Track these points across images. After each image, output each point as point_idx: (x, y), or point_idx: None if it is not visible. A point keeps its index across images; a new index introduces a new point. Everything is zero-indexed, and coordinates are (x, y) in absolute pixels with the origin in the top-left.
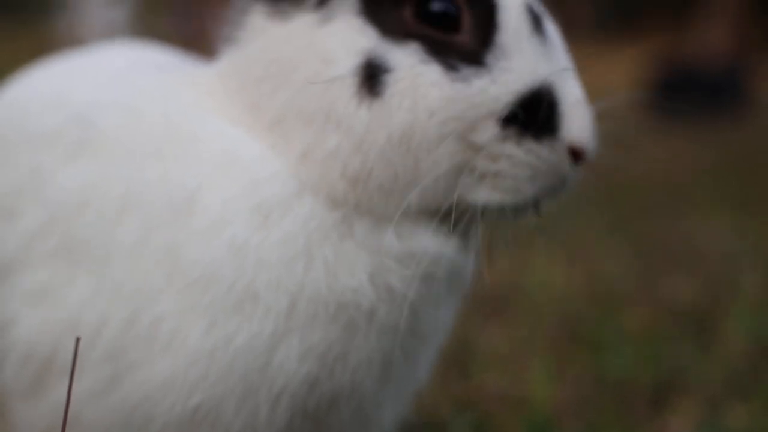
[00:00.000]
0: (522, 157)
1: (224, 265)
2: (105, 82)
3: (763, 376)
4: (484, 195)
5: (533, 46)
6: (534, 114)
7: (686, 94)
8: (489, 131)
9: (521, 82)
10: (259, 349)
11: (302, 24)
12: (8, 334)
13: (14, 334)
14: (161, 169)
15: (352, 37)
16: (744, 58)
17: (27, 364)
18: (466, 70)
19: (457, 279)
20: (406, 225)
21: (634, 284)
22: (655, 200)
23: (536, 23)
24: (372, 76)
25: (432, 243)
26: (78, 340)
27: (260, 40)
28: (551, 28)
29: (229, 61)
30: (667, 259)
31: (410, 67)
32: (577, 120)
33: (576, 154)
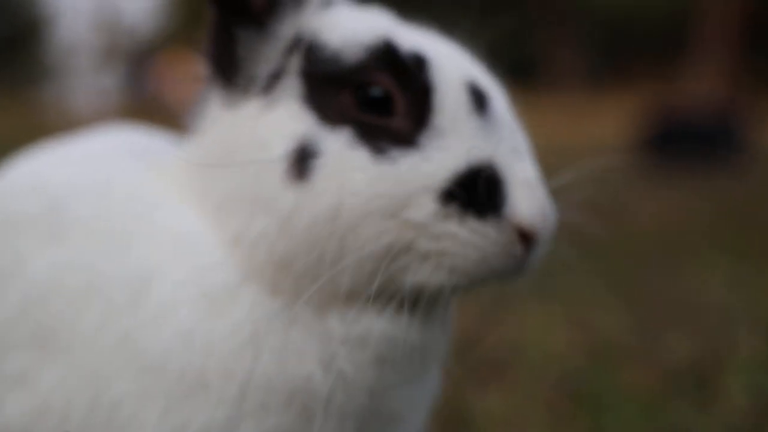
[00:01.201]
0: (465, 236)
1: (174, 353)
2: (84, 168)
3: None
4: (426, 275)
5: (473, 126)
6: (475, 193)
7: (679, 144)
8: (425, 208)
9: (456, 161)
10: None
11: (249, 111)
12: None
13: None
14: (122, 255)
15: (289, 123)
16: (736, 104)
17: None
18: (396, 152)
19: (425, 354)
20: (351, 308)
21: (633, 341)
22: (651, 253)
23: (479, 103)
24: (301, 160)
25: (378, 325)
26: None
27: (215, 128)
28: (501, 106)
29: (190, 148)
30: (664, 314)
31: (338, 151)
32: (525, 200)
33: (525, 236)
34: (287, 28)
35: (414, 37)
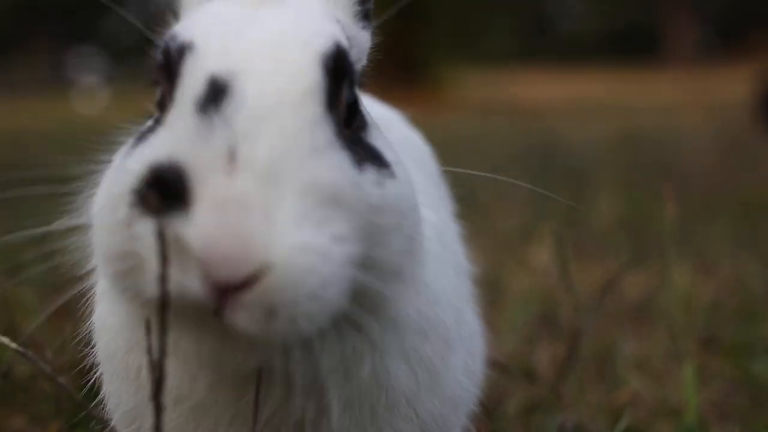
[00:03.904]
0: (148, 240)
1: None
2: None
3: None
4: (146, 281)
5: (188, 123)
6: (161, 196)
7: None
8: (123, 209)
9: (147, 161)
10: None
11: None
12: None
13: None
14: None
15: None
16: None
17: None
18: (139, 146)
19: (285, 381)
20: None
21: None
22: None
23: (214, 98)
24: None
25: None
26: None
27: None
28: (259, 106)
29: None
30: None
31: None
32: (202, 222)
33: (202, 270)
34: None
35: (202, 25)
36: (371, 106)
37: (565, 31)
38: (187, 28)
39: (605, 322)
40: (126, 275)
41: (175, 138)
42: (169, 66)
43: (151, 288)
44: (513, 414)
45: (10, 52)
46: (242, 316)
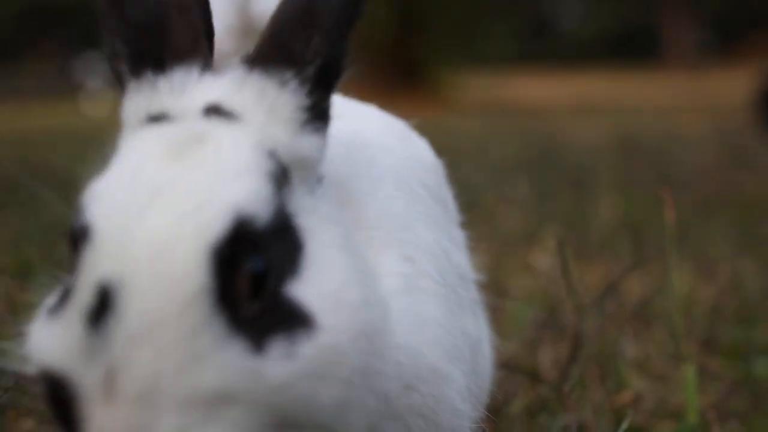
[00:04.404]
0: None
1: None
2: None
3: None
4: None
5: (77, 335)
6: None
7: None
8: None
9: (45, 355)
10: None
11: None
12: None
13: None
14: None
15: None
16: None
17: None
18: (49, 321)
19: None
20: None
21: None
22: None
23: (101, 309)
24: None
25: None
26: None
27: None
28: (128, 326)
29: None
30: None
31: None
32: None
33: None
34: None
35: (104, 203)
36: (370, 125)
37: (564, 33)
38: (92, 202)
39: (606, 324)
40: None
41: (66, 346)
42: (75, 248)
43: None
44: (516, 414)
45: (19, 56)
46: None
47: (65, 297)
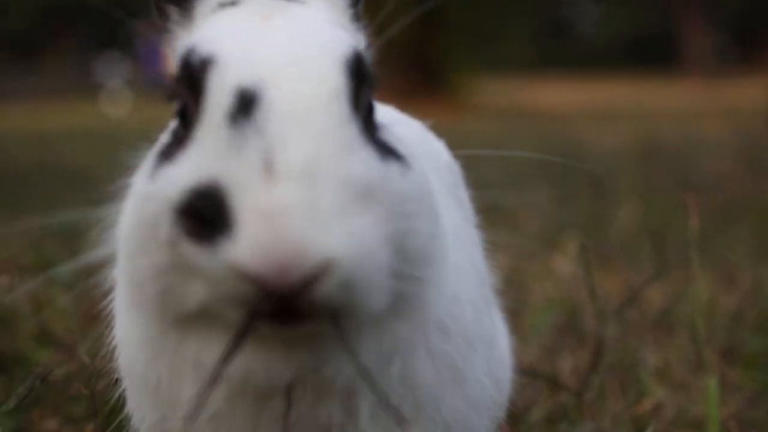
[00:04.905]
0: (188, 261)
1: None
2: None
3: None
4: (193, 295)
5: (219, 136)
6: (199, 216)
7: None
8: (164, 228)
9: (183, 179)
10: None
11: None
12: None
13: None
14: None
15: None
16: None
17: None
18: (165, 165)
19: (319, 388)
20: (192, 333)
21: None
22: None
23: (243, 109)
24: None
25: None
26: None
27: None
28: (287, 113)
29: None
30: None
31: (138, 175)
32: (250, 235)
33: (258, 283)
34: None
35: (222, 38)
36: (393, 116)
37: (582, 37)
38: (205, 40)
39: (627, 331)
40: (162, 294)
41: (208, 155)
42: (191, 80)
43: (194, 303)
44: (537, 421)
45: (39, 56)
46: (320, 303)
47: (176, 141)
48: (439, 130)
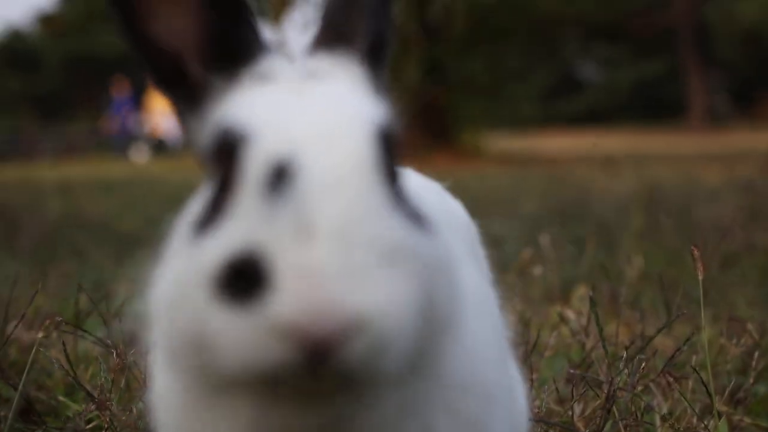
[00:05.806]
0: (221, 329)
1: None
2: None
3: None
4: (224, 363)
5: (255, 205)
6: (235, 283)
7: None
8: (202, 301)
9: (219, 249)
10: None
11: None
12: None
13: None
14: None
15: None
16: None
17: None
18: (202, 236)
19: None
20: (224, 399)
21: None
22: None
23: (277, 178)
24: None
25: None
26: None
27: None
28: (320, 177)
29: None
30: None
31: (177, 241)
32: (292, 292)
33: (297, 336)
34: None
35: (256, 111)
36: (413, 178)
37: (586, 92)
38: (241, 112)
39: (638, 379)
40: (198, 362)
41: (245, 225)
42: (225, 152)
43: (230, 366)
44: None
45: (70, 110)
46: (351, 360)
47: (212, 211)
48: (448, 179)
